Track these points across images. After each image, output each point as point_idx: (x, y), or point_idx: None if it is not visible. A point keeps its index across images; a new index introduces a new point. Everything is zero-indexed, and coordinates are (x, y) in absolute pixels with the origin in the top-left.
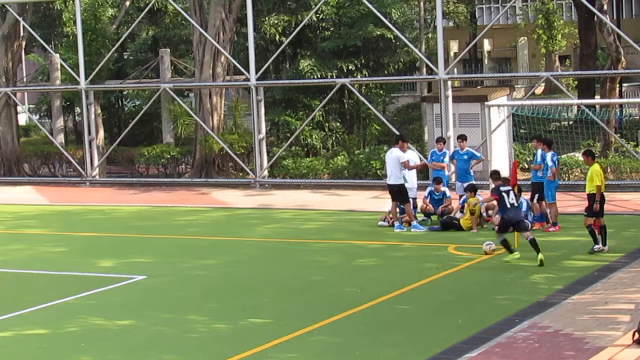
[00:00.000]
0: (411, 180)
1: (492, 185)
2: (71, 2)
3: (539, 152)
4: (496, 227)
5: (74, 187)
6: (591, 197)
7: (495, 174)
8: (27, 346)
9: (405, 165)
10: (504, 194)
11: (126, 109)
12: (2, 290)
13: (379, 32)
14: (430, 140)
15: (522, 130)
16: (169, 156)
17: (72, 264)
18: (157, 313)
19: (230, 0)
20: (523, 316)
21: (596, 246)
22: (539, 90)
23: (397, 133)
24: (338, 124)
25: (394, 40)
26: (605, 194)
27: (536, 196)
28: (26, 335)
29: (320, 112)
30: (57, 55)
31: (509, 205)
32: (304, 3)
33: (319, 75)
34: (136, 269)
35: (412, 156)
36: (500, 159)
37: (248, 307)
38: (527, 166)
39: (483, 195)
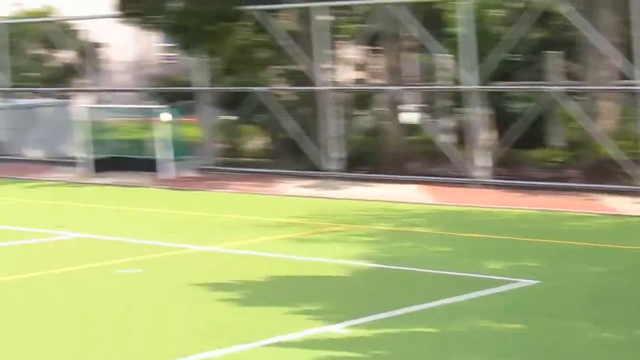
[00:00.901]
0: None
1: None
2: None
3: None
4: None
5: (459, 188)
6: None
7: None
8: (411, 343)
9: None
10: None
11: (513, 111)
12: (390, 287)
13: None
14: None
15: None
16: (556, 160)
17: (459, 265)
18: (545, 318)
19: (623, 3)
20: None
21: None
22: None
23: None
24: None
25: None
26: None
27: None
28: (412, 333)
29: None
30: (444, 55)
31: None
32: None
33: None
34: (525, 273)
35: None
36: None
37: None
38: None
39: None
